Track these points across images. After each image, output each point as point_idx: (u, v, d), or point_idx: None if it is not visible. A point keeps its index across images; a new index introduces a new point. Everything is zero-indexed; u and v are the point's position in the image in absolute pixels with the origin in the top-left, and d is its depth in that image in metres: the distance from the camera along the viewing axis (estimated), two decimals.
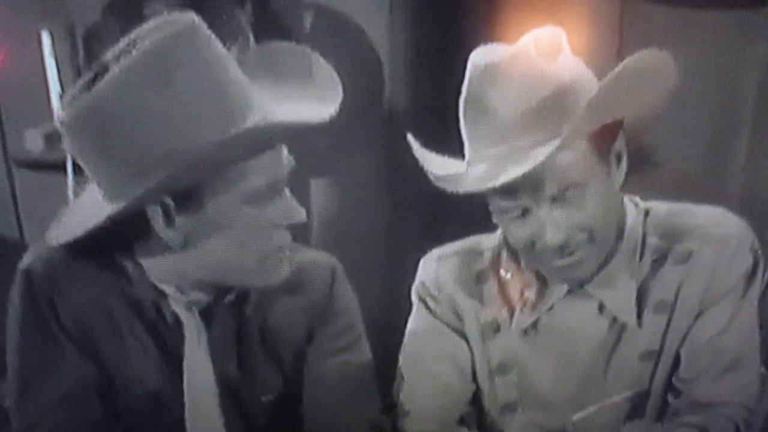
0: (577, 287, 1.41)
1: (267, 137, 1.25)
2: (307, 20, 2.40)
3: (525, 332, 1.45)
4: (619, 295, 1.40)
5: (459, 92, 1.35)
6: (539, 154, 1.25)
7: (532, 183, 1.28)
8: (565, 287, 1.41)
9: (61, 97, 2.37)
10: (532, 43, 1.29)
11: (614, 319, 1.41)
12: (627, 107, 1.31)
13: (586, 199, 1.31)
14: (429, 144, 1.38)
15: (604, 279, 1.40)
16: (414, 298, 1.53)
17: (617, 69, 1.25)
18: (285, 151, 1.29)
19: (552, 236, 1.31)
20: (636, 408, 1.43)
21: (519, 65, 1.28)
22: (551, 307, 1.43)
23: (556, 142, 1.24)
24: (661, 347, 1.40)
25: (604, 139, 1.32)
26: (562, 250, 1.33)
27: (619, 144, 1.35)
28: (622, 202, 1.42)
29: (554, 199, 1.31)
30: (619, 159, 1.35)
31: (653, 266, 1.40)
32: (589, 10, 1.30)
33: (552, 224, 1.31)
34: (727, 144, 2.20)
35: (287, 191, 1.30)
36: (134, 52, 1.17)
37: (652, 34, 1.32)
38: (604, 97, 1.25)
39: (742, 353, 1.39)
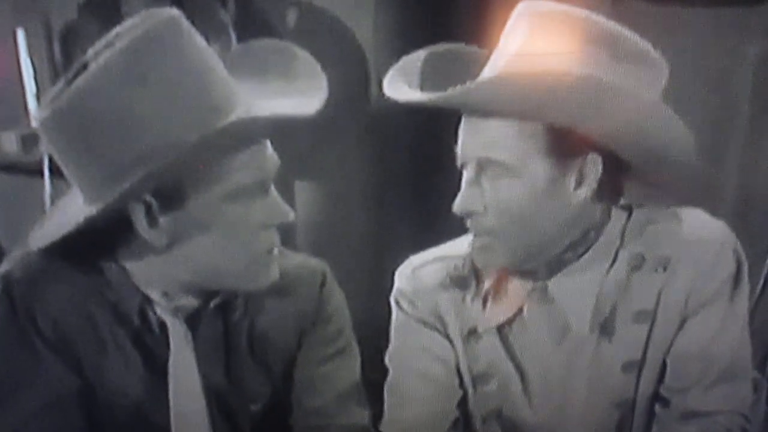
0: (540, 288, 1.38)
1: (250, 132, 1.23)
2: (291, 18, 2.39)
3: (503, 339, 1.43)
4: (576, 301, 1.37)
5: None
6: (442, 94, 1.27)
7: (465, 141, 1.32)
8: (529, 284, 1.39)
9: (37, 97, 2.35)
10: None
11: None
12: (554, 111, 1.26)
13: (506, 186, 1.29)
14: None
15: (564, 282, 1.37)
16: (393, 306, 1.51)
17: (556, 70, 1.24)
18: (270, 148, 1.27)
19: (457, 201, 1.33)
20: (624, 419, 1.41)
21: None
22: (521, 309, 1.40)
23: (458, 90, 1.25)
24: (644, 357, 1.38)
25: (566, 150, 1.28)
26: (473, 227, 1.34)
27: (588, 170, 1.30)
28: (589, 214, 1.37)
29: (479, 169, 1.31)
30: (579, 182, 1.30)
31: (631, 273, 1.37)
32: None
33: (465, 191, 1.32)
34: (722, 143, 2.21)
35: (273, 190, 1.28)
36: (113, 48, 1.15)
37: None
38: (514, 79, 1.24)
39: (734, 361, 1.37)
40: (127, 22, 1.20)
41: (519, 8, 1.31)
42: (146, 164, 1.14)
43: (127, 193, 1.16)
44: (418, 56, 1.40)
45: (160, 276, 1.29)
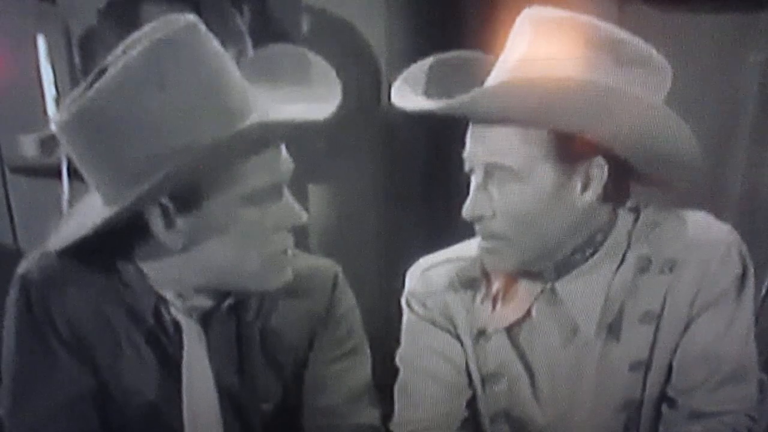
0: (548, 290, 1.39)
1: (266, 136, 1.24)
2: (305, 24, 2.40)
3: (513, 339, 1.44)
4: (584, 303, 1.38)
5: None
6: (453, 102, 1.28)
7: (473, 147, 1.33)
8: (537, 285, 1.40)
9: (56, 101, 2.36)
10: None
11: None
12: (558, 116, 1.27)
13: (513, 191, 1.30)
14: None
15: (572, 284, 1.38)
16: (404, 307, 1.52)
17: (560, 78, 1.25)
18: (285, 152, 1.28)
19: (466, 206, 1.33)
20: (631, 419, 1.42)
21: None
22: (530, 311, 1.41)
23: (464, 98, 1.26)
24: (650, 357, 1.39)
25: (571, 154, 1.29)
26: (482, 231, 1.35)
27: (593, 173, 1.31)
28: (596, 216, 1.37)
29: (486, 175, 1.32)
30: (585, 186, 1.31)
31: (637, 275, 1.38)
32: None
33: (473, 196, 1.33)
34: (726, 148, 2.20)
35: (288, 193, 1.29)
36: (132, 53, 1.16)
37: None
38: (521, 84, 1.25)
39: (740, 362, 1.37)
40: (146, 28, 1.21)
41: (524, 14, 1.31)
42: (163, 167, 1.15)
43: (144, 195, 1.17)
44: (424, 64, 1.41)
45: (175, 277, 1.30)
